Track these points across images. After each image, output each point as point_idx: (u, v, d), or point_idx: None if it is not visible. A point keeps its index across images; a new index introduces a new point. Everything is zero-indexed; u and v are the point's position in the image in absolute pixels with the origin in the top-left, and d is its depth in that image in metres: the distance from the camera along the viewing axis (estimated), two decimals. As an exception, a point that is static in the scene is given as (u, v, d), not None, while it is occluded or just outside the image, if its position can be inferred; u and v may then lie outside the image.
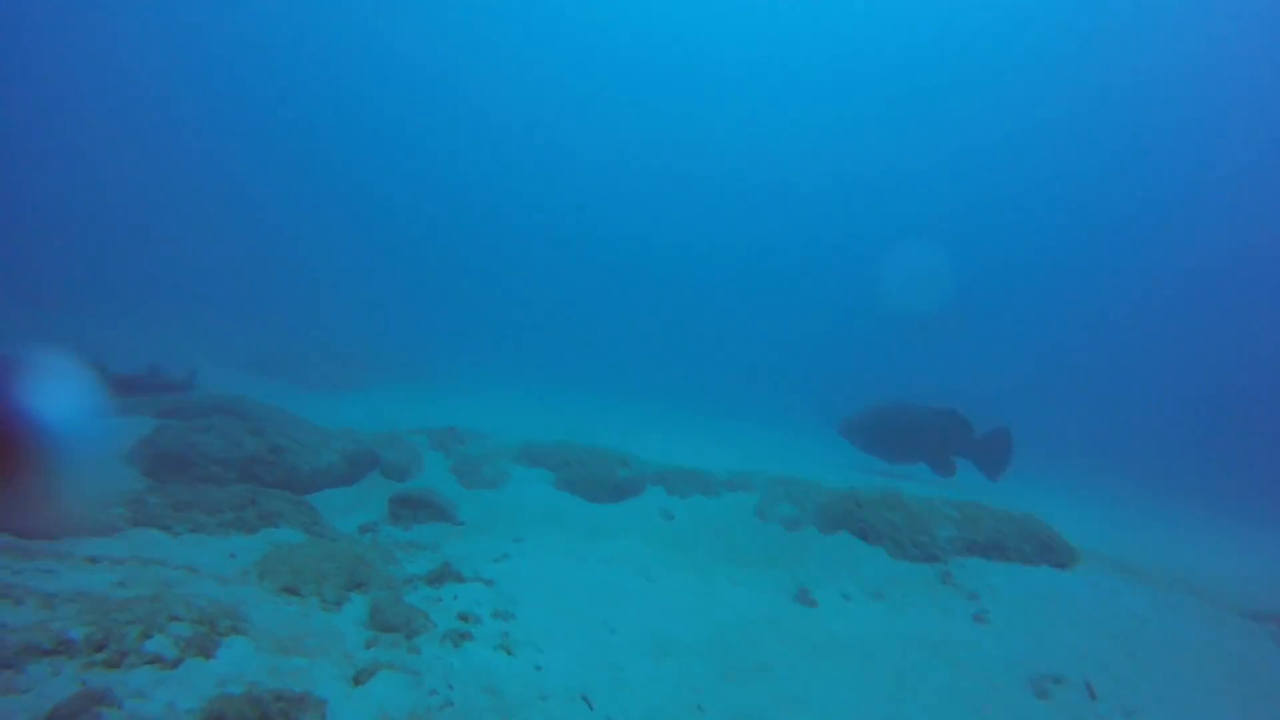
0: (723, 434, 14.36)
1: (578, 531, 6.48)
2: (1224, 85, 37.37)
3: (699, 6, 46.00)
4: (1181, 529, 9.97)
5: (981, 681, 3.60)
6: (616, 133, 50.61)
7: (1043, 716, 3.29)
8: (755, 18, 45.55)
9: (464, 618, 3.72)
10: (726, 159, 48.91)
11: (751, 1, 44.98)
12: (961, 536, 5.90)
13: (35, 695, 2.09)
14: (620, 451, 8.15)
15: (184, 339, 18.21)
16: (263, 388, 14.40)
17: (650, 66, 49.10)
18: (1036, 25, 39.95)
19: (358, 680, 2.82)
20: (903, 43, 43.65)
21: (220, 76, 42.28)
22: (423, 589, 4.17)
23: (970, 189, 46.16)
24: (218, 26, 40.59)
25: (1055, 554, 5.88)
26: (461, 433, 8.73)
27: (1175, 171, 40.39)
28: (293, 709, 2.46)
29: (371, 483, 7.50)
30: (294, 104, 44.95)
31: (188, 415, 7.71)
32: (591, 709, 3.02)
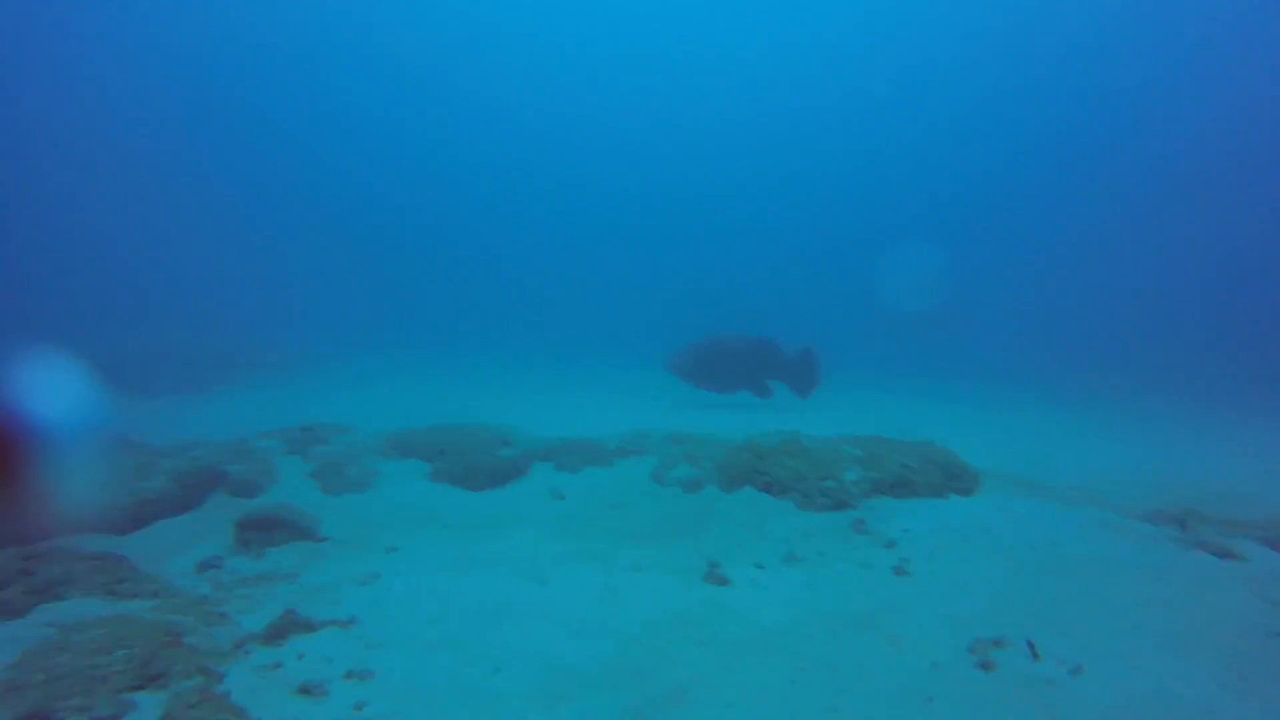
0: (613, 385, 13.77)
1: (459, 530, 5.70)
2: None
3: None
4: (1056, 433, 10.22)
5: (921, 659, 3.14)
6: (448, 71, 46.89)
7: (992, 693, 2.85)
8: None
9: (306, 691, 2.91)
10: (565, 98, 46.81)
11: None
12: (867, 477, 5.52)
13: None
14: (501, 429, 7.35)
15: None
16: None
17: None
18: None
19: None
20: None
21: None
22: (258, 654, 3.31)
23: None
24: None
25: (960, 480, 5.62)
26: (322, 430, 7.67)
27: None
28: None
29: (214, 505, 6.40)
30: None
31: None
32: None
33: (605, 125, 46.86)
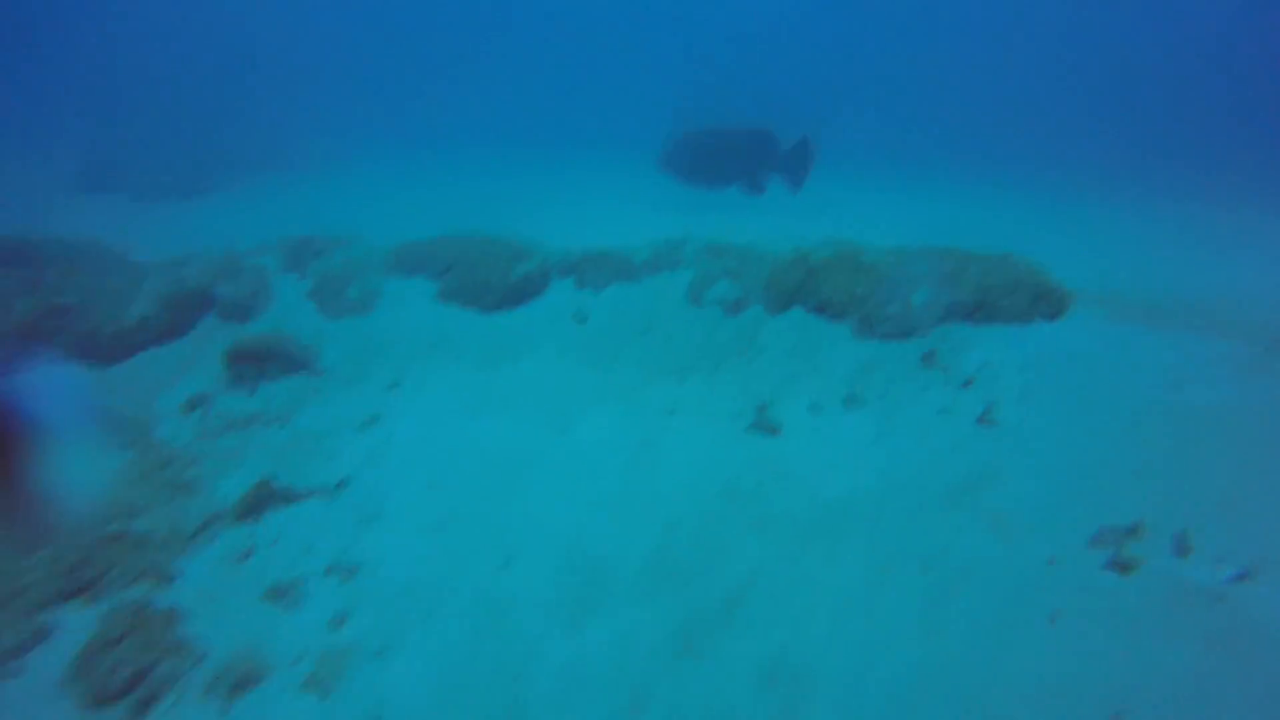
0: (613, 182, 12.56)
1: (469, 359, 5.04)
2: None
3: None
4: (1136, 227, 9.06)
5: (1033, 553, 2.49)
6: None
7: (1134, 609, 2.21)
8: None
9: (276, 594, 2.36)
10: None
11: None
12: (939, 299, 4.66)
13: None
14: (514, 240, 6.47)
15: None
16: (89, 208, 11.80)
17: None
18: None
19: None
20: None
21: None
22: (225, 536, 2.76)
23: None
24: None
25: (1049, 302, 4.74)
26: (320, 242, 6.85)
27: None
28: None
29: (205, 332, 5.79)
30: None
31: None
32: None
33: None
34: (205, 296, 6.00)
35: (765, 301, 5.16)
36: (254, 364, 5.09)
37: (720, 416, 3.88)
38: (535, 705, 2.06)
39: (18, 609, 2.07)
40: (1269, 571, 2.34)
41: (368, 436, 3.96)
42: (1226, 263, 6.02)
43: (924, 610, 2.21)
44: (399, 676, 2.05)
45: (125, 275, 6.30)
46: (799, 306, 5.04)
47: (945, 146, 16.71)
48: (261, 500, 2.98)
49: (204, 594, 2.35)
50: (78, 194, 13.21)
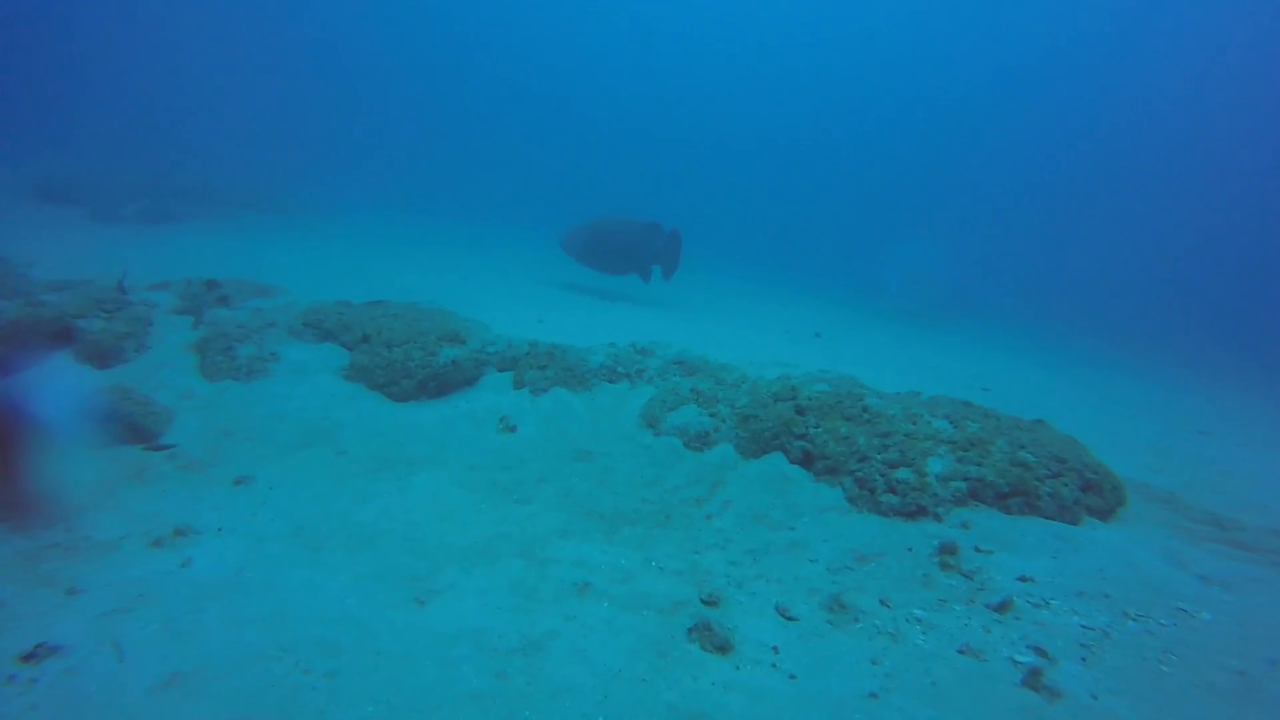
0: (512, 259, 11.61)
1: (355, 460, 3.83)
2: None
3: None
4: (1179, 406, 8.07)
5: None
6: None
7: None
8: None
9: None
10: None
11: None
12: (961, 470, 3.52)
13: None
14: (458, 316, 5.37)
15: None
16: (33, 217, 10.73)
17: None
18: None
19: None
20: None
21: None
22: None
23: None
24: None
25: (1099, 495, 3.61)
26: (232, 286, 5.73)
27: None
28: None
29: (48, 372, 4.59)
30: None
31: None
32: None
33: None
34: (64, 329, 4.82)
35: (738, 440, 4.01)
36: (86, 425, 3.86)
37: (650, 605, 2.65)
38: None
39: None
40: None
41: (153, 562, 2.70)
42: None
43: None
44: None
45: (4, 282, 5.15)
46: (780, 453, 3.89)
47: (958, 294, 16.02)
48: None
49: None
50: (36, 202, 12.24)
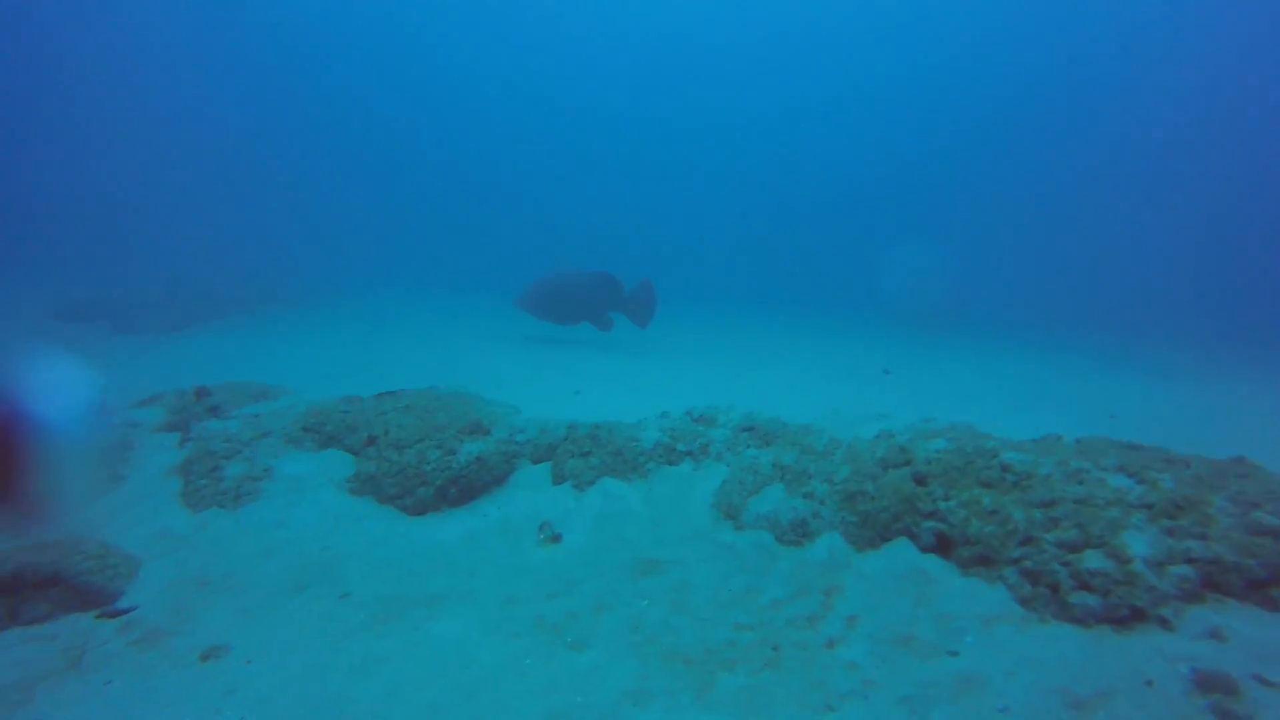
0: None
1: (360, 604, 2.95)
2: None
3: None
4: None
5: None
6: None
7: None
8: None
9: None
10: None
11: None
12: (1179, 549, 2.51)
13: None
14: (480, 401, 4.54)
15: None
16: (52, 333, 10.33)
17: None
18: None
19: None
20: None
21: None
22: None
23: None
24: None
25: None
26: (224, 394, 4.99)
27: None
28: None
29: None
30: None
31: None
32: None
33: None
34: (28, 469, 4.07)
35: (845, 526, 3.06)
36: (5, 599, 3.06)
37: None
38: None
39: None
40: None
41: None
42: None
43: None
44: None
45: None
46: (905, 539, 2.92)
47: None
48: None
49: None
50: (57, 321, 11.93)
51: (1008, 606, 2.54)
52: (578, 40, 42.08)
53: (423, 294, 15.73)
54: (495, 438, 3.90)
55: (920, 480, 3.05)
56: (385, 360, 7.06)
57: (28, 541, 3.30)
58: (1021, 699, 2.12)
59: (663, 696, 2.28)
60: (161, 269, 15.27)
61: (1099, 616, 2.37)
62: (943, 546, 2.85)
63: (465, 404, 4.34)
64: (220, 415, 4.67)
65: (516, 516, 3.51)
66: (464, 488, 3.67)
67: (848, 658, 2.43)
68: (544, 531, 3.35)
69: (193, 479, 3.95)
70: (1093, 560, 2.48)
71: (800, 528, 3.12)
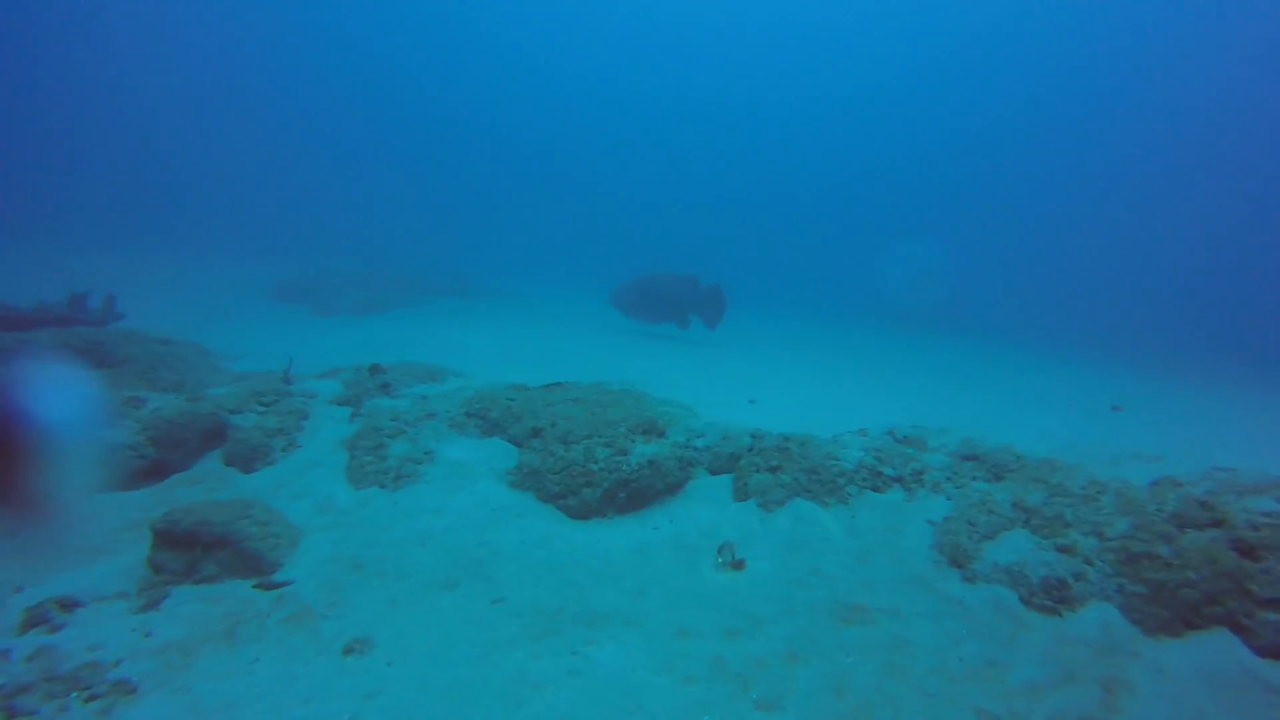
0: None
1: (515, 613, 2.58)
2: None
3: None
4: None
5: None
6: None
7: None
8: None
9: None
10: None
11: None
12: None
13: None
14: (652, 400, 4.11)
15: (216, 267, 15.43)
16: (264, 313, 11.22)
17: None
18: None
19: None
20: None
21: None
22: None
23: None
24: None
25: None
26: (398, 372, 4.93)
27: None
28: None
29: (196, 476, 3.87)
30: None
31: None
32: None
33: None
34: (216, 426, 4.14)
35: (1125, 597, 2.31)
36: (184, 554, 2.98)
37: None
38: None
39: None
40: None
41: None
42: None
43: None
44: None
45: (182, 384, 4.70)
46: (1225, 630, 2.13)
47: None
48: None
49: None
50: (273, 301, 13.04)
51: None
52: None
53: (559, 288, 15.91)
54: (671, 440, 3.44)
55: (1246, 551, 2.23)
56: (561, 353, 6.88)
57: (207, 498, 3.25)
58: None
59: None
60: (361, 254, 16.51)
61: None
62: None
63: (637, 402, 3.93)
64: (391, 393, 4.57)
65: (692, 533, 3.02)
66: (633, 493, 3.23)
67: (1157, 789, 1.70)
68: (724, 554, 2.84)
69: (358, 454, 3.81)
70: None
71: (1058, 590, 2.39)
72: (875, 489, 3.06)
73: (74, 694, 2.15)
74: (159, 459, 3.90)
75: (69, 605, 2.65)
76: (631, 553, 2.93)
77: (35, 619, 2.55)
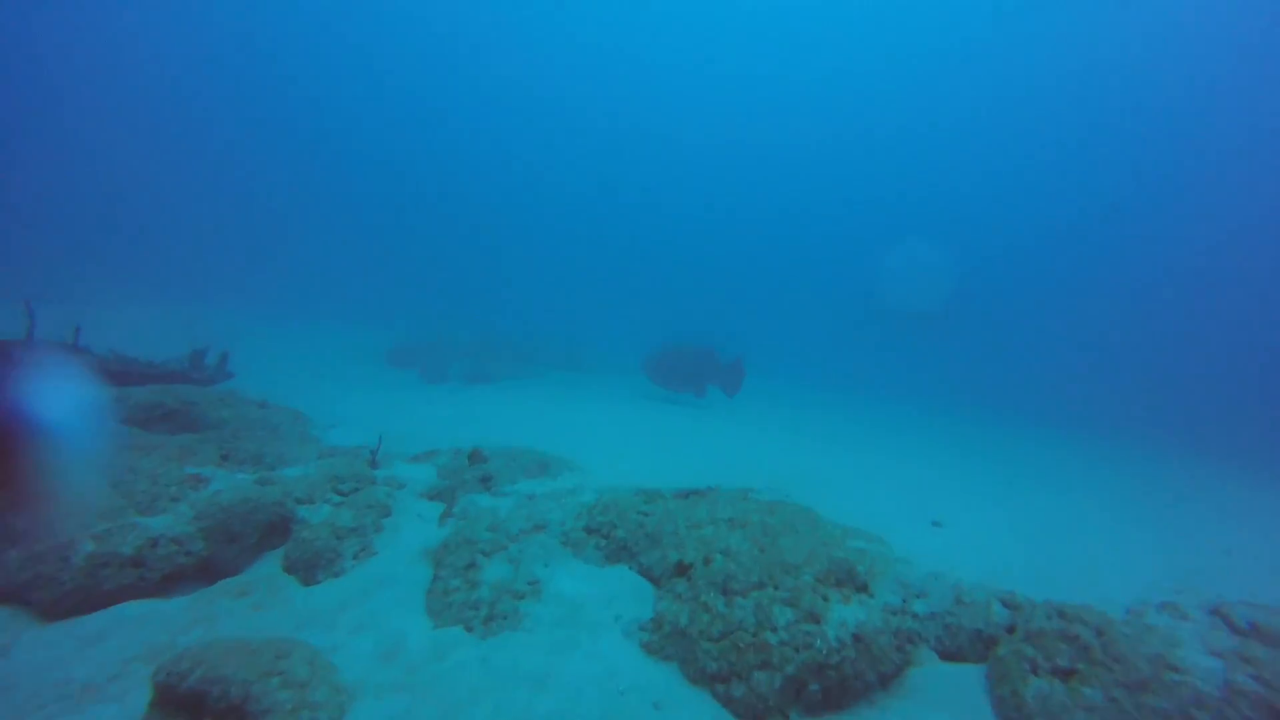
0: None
1: None
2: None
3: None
4: None
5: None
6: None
7: None
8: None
9: None
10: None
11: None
12: None
13: None
14: (831, 526, 2.98)
15: (339, 331, 15.60)
16: (373, 376, 10.85)
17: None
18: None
19: None
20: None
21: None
22: None
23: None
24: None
25: None
26: (500, 461, 4.02)
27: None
28: None
29: (246, 584, 3.05)
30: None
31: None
32: None
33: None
34: (282, 521, 3.34)
35: None
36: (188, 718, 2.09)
37: None
38: None
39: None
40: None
41: None
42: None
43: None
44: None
45: (261, 457, 4.00)
46: None
47: None
48: None
49: None
50: (386, 366, 12.82)
51: None
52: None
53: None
54: (879, 601, 2.30)
55: None
56: (696, 443, 5.84)
57: (227, 639, 2.37)
58: None
59: None
60: (477, 322, 16.37)
61: None
62: None
63: (812, 526, 2.82)
64: (491, 489, 3.66)
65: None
66: (832, 686, 2.10)
67: None
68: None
69: (443, 574, 2.87)
70: None
71: None
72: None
73: None
74: (208, 557, 3.12)
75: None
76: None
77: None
